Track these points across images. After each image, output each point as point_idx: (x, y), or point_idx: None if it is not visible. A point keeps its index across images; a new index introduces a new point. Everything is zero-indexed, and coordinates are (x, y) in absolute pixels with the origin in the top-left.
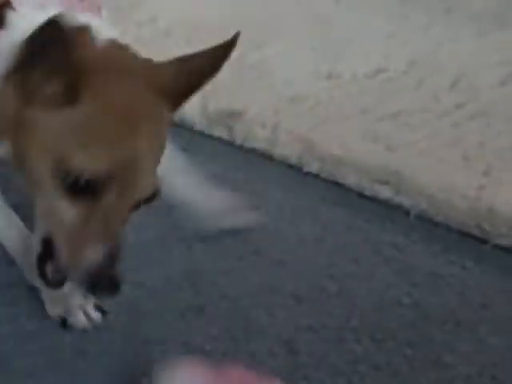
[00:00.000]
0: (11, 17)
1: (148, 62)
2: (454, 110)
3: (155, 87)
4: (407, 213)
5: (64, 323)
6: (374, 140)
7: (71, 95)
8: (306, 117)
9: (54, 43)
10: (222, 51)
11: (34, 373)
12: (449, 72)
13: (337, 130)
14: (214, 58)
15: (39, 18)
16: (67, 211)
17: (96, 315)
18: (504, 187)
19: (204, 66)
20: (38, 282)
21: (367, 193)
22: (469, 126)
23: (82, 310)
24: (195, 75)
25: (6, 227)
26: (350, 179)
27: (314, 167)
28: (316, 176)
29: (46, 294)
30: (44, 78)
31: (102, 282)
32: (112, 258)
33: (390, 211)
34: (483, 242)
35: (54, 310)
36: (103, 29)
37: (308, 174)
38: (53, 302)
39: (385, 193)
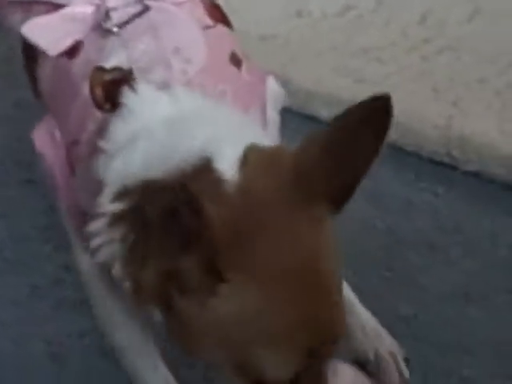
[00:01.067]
0: (129, 97)
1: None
2: (422, 45)
3: (311, 198)
4: None
5: None
6: (346, 75)
7: (212, 280)
8: (277, 55)
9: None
10: (379, 125)
11: None
12: (417, 9)
13: (308, 67)
14: (370, 139)
15: (162, 103)
16: None
17: None
18: (472, 117)
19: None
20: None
21: None
22: (437, 60)
23: None
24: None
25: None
26: (323, 112)
27: (286, 102)
28: (288, 110)
29: None
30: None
31: None
32: None
33: None
34: (454, 169)
35: None
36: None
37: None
38: None
39: None
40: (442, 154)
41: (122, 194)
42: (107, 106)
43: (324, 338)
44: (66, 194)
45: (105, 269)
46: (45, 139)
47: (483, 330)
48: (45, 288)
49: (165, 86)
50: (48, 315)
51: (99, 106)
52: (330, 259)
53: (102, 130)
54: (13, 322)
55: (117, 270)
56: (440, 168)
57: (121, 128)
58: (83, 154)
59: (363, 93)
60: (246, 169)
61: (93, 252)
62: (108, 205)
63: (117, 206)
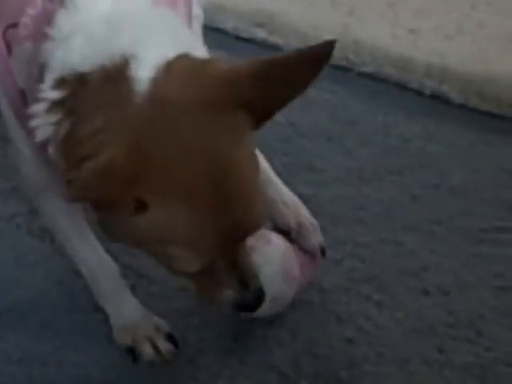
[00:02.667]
0: None
1: (222, 79)
2: None
3: (234, 108)
4: (281, 51)
5: (133, 354)
6: None
7: (140, 208)
8: None
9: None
10: (313, 63)
11: None
12: None
13: None
14: (302, 71)
15: (104, 1)
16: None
17: (166, 347)
18: (367, 24)
19: (290, 78)
20: (109, 309)
21: (244, 35)
22: None
23: (151, 341)
24: (281, 88)
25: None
26: (228, 24)
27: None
28: None
29: (115, 321)
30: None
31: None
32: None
33: (265, 51)
34: (350, 71)
35: (121, 340)
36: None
37: None
38: (120, 331)
39: (260, 34)
40: (339, 58)
41: (60, 83)
42: None
43: (236, 237)
44: (5, 77)
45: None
46: None
47: (375, 204)
48: None
49: None
50: None
51: None
52: (245, 165)
53: (48, 18)
54: None
55: (52, 151)
56: (338, 71)
57: (66, 19)
58: (21, 36)
59: (265, 4)
60: (166, 76)
61: (31, 132)
62: (48, 91)
63: (55, 94)
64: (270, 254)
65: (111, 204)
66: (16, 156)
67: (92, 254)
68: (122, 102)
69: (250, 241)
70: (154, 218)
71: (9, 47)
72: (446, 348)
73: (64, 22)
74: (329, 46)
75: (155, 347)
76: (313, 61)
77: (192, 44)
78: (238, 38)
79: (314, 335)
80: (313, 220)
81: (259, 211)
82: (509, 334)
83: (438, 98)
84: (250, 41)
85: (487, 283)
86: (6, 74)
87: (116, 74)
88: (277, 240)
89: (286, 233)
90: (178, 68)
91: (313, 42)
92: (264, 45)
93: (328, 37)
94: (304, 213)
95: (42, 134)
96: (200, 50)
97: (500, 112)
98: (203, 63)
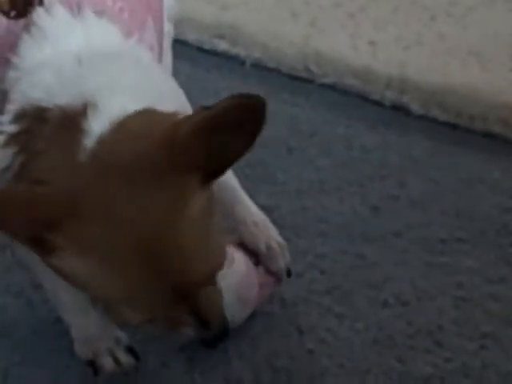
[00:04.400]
0: (42, 18)
1: (165, 141)
2: None
3: (178, 170)
4: (243, 62)
5: (94, 367)
6: (210, 2)
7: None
8: None
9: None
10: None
11: None
12: None
13: None
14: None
15: (75, 35)
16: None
17: (127, 359)
18: (328, 35)
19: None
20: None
21: (206, 47)
22: None
23: (111, 353)
24: (226, 145)
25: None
26: (191, 35)
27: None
28: None
29: (76, 334)
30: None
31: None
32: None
33: (228, 62)
34: (311, 82)
35: (82, 352)
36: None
37: None
38: (82, 344)
39: (222, 46)
40: (300, 70)
41: (19, 116)
42: (12, 14)
43: (182, 293)
44: None
45: None
46: None
47: (335, 216)
48: None
49: (77, 8)
50: None
51: (3, 12)
52: (187, 229)
53: (11, 43)
54: None
55: (8, 181)
56: (299, 82)
57: (32, 49)
58: None
59: (226, 17)
60: (116, 135)
61: None
62: (7, 124)
63: (13, 128)
64: (228, 276)
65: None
66: None
67: None
68: (69, 154)
69: None
70: (69, 264)
71: None
72: (405, 359)
73: (30, 52)
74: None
75: (116, 360)
76: (250, 111)
77: (160, 91)
78: (200, 49)
79: (274, 347)
80: (281, 240)
81: (209, 266)
82: (468, 344)
83: (398, 109)
84: (212, 52)
85: (447, 294)
86: None
87: (72, 120)
88: (239, 261)
89: (253, 253)
90: (130, 126)
91: (274, 53)
92: (226, 56)
93: (289, 48)
94: (273, 233)
95: (2, 162)
96: (170, 93)
97: (460, 123)
98: (156, 122)
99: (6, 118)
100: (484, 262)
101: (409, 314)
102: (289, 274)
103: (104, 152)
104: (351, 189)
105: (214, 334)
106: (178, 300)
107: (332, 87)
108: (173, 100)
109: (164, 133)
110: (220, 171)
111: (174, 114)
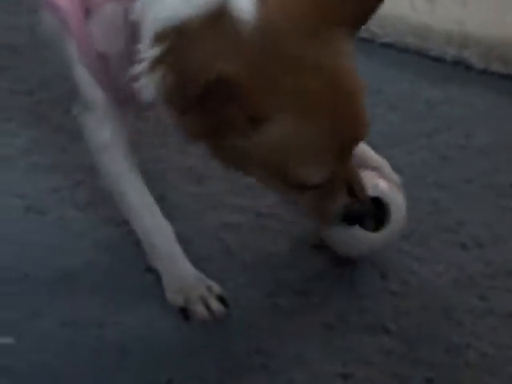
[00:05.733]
0: None
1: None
2: None
3: (333, 24)
4: None
5: (185, 313)
6: None
7: (256, 124)
8: None
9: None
10: None
11: None
12: None
13: None
14: None
15: None
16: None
17: (218, 307)
18: None
19: None
20: (163, 271)
21: None
22: None
23: (204, 301)
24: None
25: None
26: None
27: None
28: None
29: (168, 282)
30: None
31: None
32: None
33: None
34: (372, 42)
35: (174, 300)
36: None
37: None
38: (173, 291)
39: None
40: (361, 30)
41: (158, 39)
42: None
43: (350, 144)
44: (81, 39)
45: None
46: None
47: (407, 167)
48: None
49: None
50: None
51: None
52: (352, 75)
53: None
54: None
55: (161, 110)
56: (360, 42)
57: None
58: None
59: None
60: (263, 5)
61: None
62: (147, 50)
63: (155, 51)
64: (400, 199)
65: (230, 123)
66: (83, 115)
67: (150, 217)
68: (231, 35)
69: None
70: (274, 132)
71: (87, 13)
72: (488, 297)
73: None
74: None
75: (207, 307)
76: None
77: None
78: None
79: (359, 290)
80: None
81: (368, 117)
82: None
83: (459, 64)
84: None
85: None
86: (83, 39)
87: (217, 13)
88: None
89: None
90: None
91: None
92: None
93: None
94: (388, 170)
95: (148, 93)
96: None
97: None
98: None
99: (144, 44)
100: None
101: (486, 256)
102: None
103: (263, 24)
104: (420, 141)
105: (363, 205)
106: (343, 159)
107: (393, 46)
108: None
109: None
110: (362, 22)
111: None
